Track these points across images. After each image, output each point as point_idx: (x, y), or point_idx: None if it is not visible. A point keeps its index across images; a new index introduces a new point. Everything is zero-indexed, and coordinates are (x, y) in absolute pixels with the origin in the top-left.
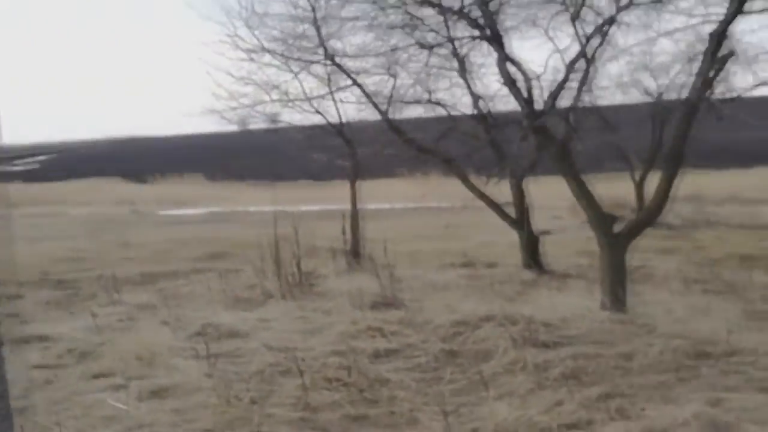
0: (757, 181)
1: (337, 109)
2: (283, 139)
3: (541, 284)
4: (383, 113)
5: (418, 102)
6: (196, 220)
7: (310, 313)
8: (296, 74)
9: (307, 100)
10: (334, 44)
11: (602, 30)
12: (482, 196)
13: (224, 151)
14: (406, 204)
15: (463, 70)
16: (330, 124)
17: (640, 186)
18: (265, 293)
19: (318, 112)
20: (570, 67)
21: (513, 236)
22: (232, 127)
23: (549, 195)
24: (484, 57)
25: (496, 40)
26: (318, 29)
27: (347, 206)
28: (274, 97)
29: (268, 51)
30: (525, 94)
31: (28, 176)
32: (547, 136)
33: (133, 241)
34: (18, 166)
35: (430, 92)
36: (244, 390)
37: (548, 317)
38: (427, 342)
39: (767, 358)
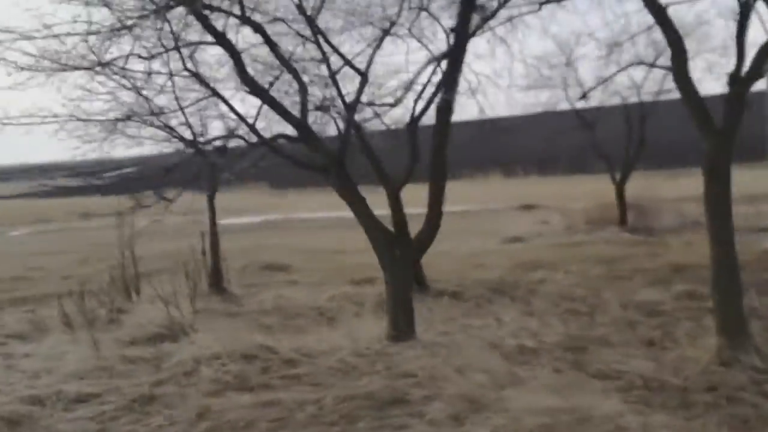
0: None
1: (186, 120)
2: None
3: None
4: (250, 125)
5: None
6: (250, 228)
7: (79, 347)
8: (155, 91)
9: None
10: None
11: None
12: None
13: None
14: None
15: (332, 77)
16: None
17: (620, 187)
18: (67, 323)
19: (167, 126)
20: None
21: (469, 246)
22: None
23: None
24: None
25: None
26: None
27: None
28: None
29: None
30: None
31: (107, 189)
32: (320, 151)
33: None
34: (106, 180)
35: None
36: None
37: (306, 351)
38: (138, 385)
39: (455, 405)
